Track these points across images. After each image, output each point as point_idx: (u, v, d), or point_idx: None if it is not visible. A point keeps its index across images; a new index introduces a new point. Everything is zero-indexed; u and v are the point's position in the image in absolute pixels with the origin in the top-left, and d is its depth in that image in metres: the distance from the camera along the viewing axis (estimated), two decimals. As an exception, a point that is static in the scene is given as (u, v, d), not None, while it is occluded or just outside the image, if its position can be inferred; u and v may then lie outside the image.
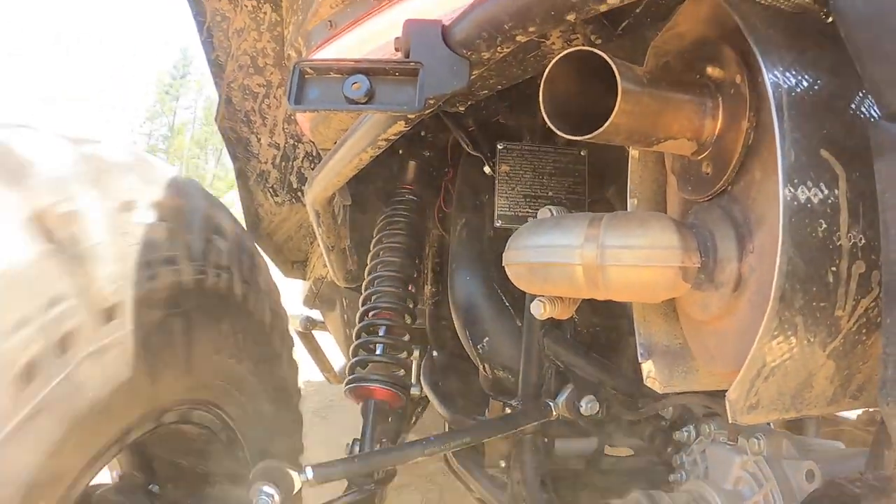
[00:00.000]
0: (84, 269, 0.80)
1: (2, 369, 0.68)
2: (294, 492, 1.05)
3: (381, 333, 1.44)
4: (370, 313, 1.46)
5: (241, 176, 1.96)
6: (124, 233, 0.90)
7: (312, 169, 1.82)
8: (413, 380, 1.75)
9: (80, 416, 0.79)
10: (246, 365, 1.24)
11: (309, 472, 1.08)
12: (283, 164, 1.89)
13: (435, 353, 1.69)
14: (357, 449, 1.34)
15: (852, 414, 1.38)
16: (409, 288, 1.51)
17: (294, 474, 1.05)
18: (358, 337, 1.45)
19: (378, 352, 1.43)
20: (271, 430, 1.36)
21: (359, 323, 1.47)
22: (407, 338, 1.48)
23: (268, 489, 1.01)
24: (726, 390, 0.71)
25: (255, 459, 1.19)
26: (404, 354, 1.46)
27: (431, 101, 0.85)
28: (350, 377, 1.41)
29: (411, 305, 1.51)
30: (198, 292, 1.05)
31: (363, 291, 1.50)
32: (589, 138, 0.73)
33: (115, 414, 0.87)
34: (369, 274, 1.51)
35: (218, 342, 1.13)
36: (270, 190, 1.94)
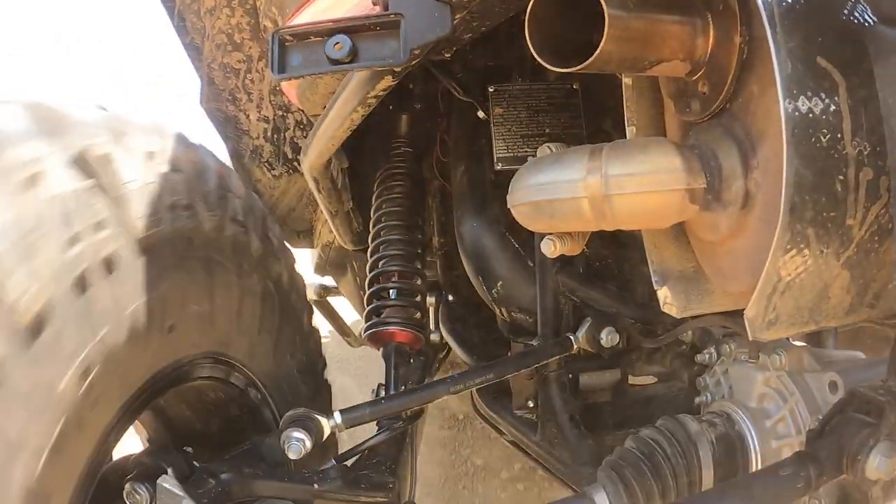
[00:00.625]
0: (120, 203, 0.89)
1: (61, 275, 0.76)
2: (324, 437, 1.07)
3: (393, 280, 1.45)
4: (381, 262, 1.47)
5: (236, 155, 1.95)
6: (148, 179, 0.97)
7: (305, 137, 1.80)
8: (432, 326, 1.77)
9: (120, 343, 0.85)
10: (267, 323, 1.26)
11: (337, 417, 1.10)
12: (275, 136, 1.87)
13: (451, 298, 1.70)
14: (382, 393, 1.36)
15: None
16: (416, 236, 1.51)
17: (323, 420, 1.07)
18: (371, 286, 1.46)
19: (393, 297, 1.44)
20: (297, 391, 1.38)
21: (369, 273, 1.48)
22: (420, 282, 1.48)
23: (298, 434, 1.03)
24: (743, 309, 0.72)
25: (283, 413, 1.21)
26: (419, 298, 1.47)
27: (416, 52, 0.83)
28: (368, 323, 1.42)
29: (420, 252, 1.51)
30: (217, 241, 1.09)
31: (370, 245, 1.50)
32: (580, 69, 0.72)
33: (145, 348, 0.92)
34: (374, 227, 1.51)
35: (239, 296, 1.15)
36: (266, 164, 1.93)
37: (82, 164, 0.86)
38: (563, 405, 1.26)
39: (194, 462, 1.04)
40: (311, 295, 2.24)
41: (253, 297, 1.21)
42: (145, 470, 0.99)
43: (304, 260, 2.48)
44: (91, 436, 0.83)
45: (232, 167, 1.40)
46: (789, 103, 0.62)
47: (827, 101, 0.62)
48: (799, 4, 0.63)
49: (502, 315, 1.44)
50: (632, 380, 1.38)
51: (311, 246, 2.27)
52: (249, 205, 1.25)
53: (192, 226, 1.03)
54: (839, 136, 0.63)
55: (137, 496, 0.95)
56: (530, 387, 1.35)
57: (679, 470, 0.97)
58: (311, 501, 1.09)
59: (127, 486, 0.96)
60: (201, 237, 1.05)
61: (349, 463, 1.21)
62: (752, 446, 0.99)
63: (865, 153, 0.64)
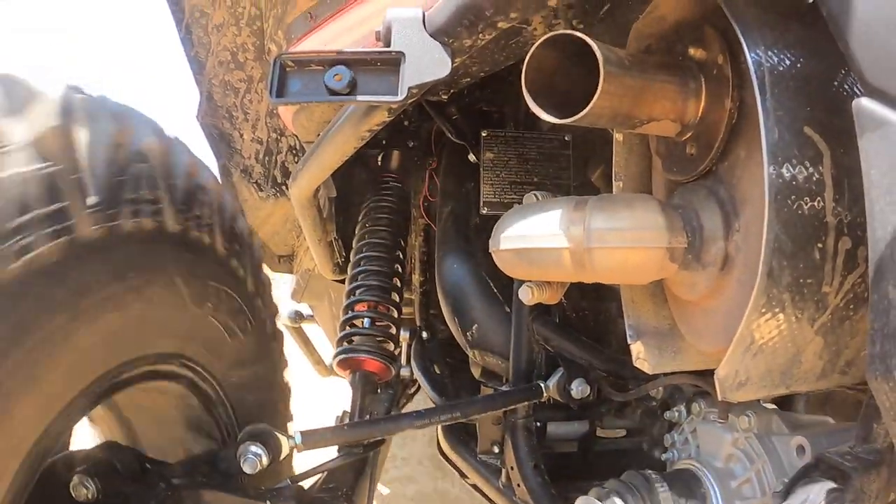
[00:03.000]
0: (77, 191, 0.84)
1: (6, 259, 0.74)
2: (282, 455, 1.06)
3: (368, 309, 1.44)
4: (357, 291, 1.47)
5: (225, 172, 1.95)
6: (114, 168, 0.92)
7: (296, 162, 1.81)
8: (403, 361, 1.76)
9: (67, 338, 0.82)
10: (228, 324, 1.22)
11: (298, 438, 1.09)
12: (267, 158, 1.88)
13: (425, 335, 1.70)
14: (347, 420, 1.35)
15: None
16: (396, 269, 1.51)
17: (283, 438, 1.06)
18: (345, 313, 1.46)
19: (366, 326, 1.44)
20: (258, 395, 1.35)
21: (346, 300, 1.47)
22: (395, 314, 1.48)
23: (255, 449, 1.02)
24: (715, 369, 0.72)
25: (243, 424, 1.19)
26: (393, 331, 1.47)
27: (414, 91, 0.84)
28: (338, 349, 1.41)
29: (398, 286, 1.51)
30: (180, 239, 1.04)
31: (349, 274, 1.50)
32: (572, 121, 0.73)
33: (94, 344, 0.88)
34: (355, 257, 1.51)
35: (200, 295, 1.11)
36: (255, 185, 1.93)
37: (41, 146, 0.81)
38: (529, 452, 1.25)
39: (146, 463, 1.02)
40: (285, 321, 2.23)
41: (214, 296, 1.16)
42: (95, 464, 0.96)
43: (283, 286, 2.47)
44: (34, 426, 0.81)
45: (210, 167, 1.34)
46: (774, 169, 0.64)
47: (811, 169, 0.64)
48: (791, 73, 0.65)
49: (475, 358, 1.44)
50: (600, 432, 1.38)
51: (291, 271, 2.26)
52: (219, 203, 1.20)
53: (154, 222, 0.98)
54: (821, 204, 0.65)
55: (84, 489, 0.92)
56: (497, 432, 1.34)
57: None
58: None
59: (75, 478, 0.93)
60: (164, 235, 1.00)
61: (305, 485, 1.19)
62: (715, 506, 1.00)
63: (846, 222, 0.65)
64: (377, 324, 1.43)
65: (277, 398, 1.46)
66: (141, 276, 0.95)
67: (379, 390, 1.43)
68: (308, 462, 1.24)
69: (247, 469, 1.01)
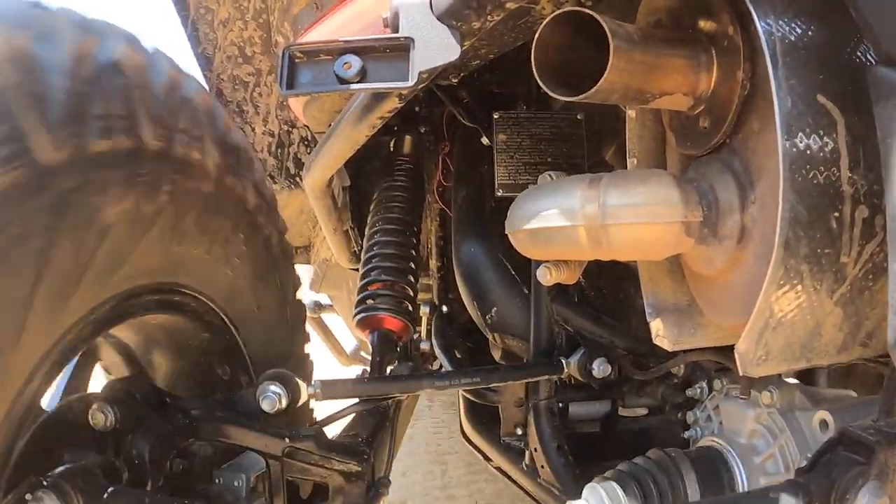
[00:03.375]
0: (38, 110, 0.75)
1: None
2: (300, 400, 1.06)
3: (386, 275, 1.44)
4: (372, 273, 1.46)
5: None
6: (77, 83, 0.82)
7: (309, 153, 1.82)
8: (423, 336, 1.77)
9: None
10: (233, 248, 1.14)
11: (317, 386, 1.09)
12: (279, 150, 1.89)
13: (445, 309, 1.70)
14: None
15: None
16: (410, 251, 1.51)
17: (302, 384, 1.06)
18: (363, 278, 1.45)
19: (384, 287, 1.43)
20: (273, 334, 1.31)
21: (362, 269, 1.47)
22: (413, 280, 1.48)
23: (275, 388, 1.02)
24: (735, 344, 0.72)
25: (259, 368, 1.17)
26: (411, 293, 1.46)
27: (424, 76, 0.84)
28: (357, 309, 1.42)
29: (414, 263, 1.51)
30: (163, 157, 0.95)
31: (362, 258, 1.50)
32: (583, 98, 0.73)
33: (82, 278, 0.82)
34: (367, 242, 1.51)
35: (194, 219, 1.03)
36: (268, 178, 1.94)
37: None
38: (552, 434, 1.25)
39: (166, 398, 1.02)
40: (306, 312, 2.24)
41: (208, 219, 1.07)
42: (115, 393, 0.96)
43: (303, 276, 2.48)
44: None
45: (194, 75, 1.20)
46: (787, 139, 0.63)
47: (825, 138, 0.64)
48: (802, 42, 0.64)
49: (495, 341, 1.44)
50: (622, 411, 1.38)
51: (309, 262, 2.28)
52: (209, 116, 1.09)
53: (129, 139, 0.88)
54: (836, 173, 0.64)
55: (102, 416, 0.92)
56: (519, 414, 1.34)
57: (666, 500, 0.97)
58: (281, 459, 1.05)
59: (94, 405, 0.93)
60: (143, 153, 0.90)
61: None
62: (740, 482, 0.99)
63: (862, 191, 0.65)
64: (396, 287, 1.43)
65: (294, 340, 1.42)
66: (119, 199, 0.86)
67: (398, 351, 1.43)
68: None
69: (265, 407, 1.02)
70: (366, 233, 1.54)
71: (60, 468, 0.86)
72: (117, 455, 0.94)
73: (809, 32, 0.65)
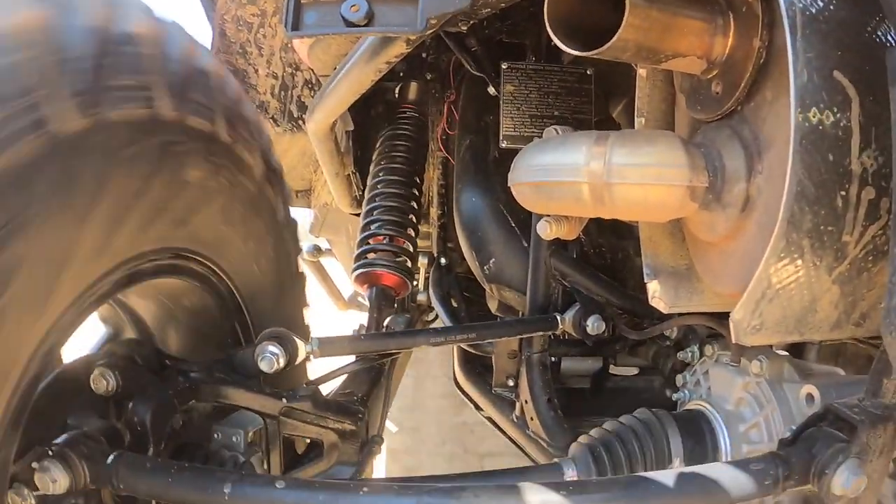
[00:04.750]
0: (55, 82, 0.76)
1: None
2: (299, 359, 1.07)
3: (386, 228, 1.45)
4: (375, 211, 1.47)
5: None
6: (96, 53, 0.83)
7: (312, 97, 1.79)
8: (420, 286, 1.78)
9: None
10: (239, 215, 1.17)
11: (315, 343, 1.11)
12: (283, 93, 1.86)
13: (443, 261, 1.71)
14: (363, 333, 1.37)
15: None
16: (413, 193, 1.51)
17: (300, 343, 1.08)
18: (363, 231, 1.46)
19: (384, 241, 1.45)
20: (275, 300, 1.32)
21: (363, 221, 1.47)
22: (413, 233, 1.49)
23: (273, 349, 1.04)
24: (730, 312, 0.72)
25: (259, 329, 1.18)
26: (411, 249, 1.47)
27: (433, 21, 0.82)
28: (356, 264, 1.43)
29: (415, 211, 1.51)
30: (178, 127, 0.97)
31: (363, 208, 1.50)
32: (596, 54, 0.71)
33: (96, 240, 0.84)
34: (369, 193, 1.51)
35: (203, 186, 1.05)
36: (271, 120, 1.93)
37: (9, 34, 0.73)
38: (543, 387, 1.27)
39: (166, 360, 1.03)
40: (304, 255, 2.25)
41: (220, 186, 1.10)
42: (116, 358, 0.97)
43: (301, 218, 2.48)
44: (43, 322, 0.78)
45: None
46: (801, 113, 0.62)
47: (839, 115, 0.62)
48: (823, 16, 0.62)
49: (492, 292, 1.45)
50: (613, 369, 1.39)
51: (309, 206, 2.27)
52: (221, 88, 1.11)
53: (146, 109, 0.90)
54: (846, 151, 0.63)
55: (104, 381, 0.93)
56: (512, 365, 1.36)
57: (649, 459, 0.99)
58: (278, 418, 1.08)
59: (95, 370, 0.94)
60: (158, 122, 0.92)
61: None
62: (723, 448, 1.01)
63: (870, 172, 0.64)
64: (395, 242, 1.44)
65: (295, 306, 1.42)
66: (136, 167, 0.89)
67: (395, 305, 1.44)
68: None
69: (264, 367, 1.03)
70: (368, 181, 1.53)
71: (64, 435, 0.87)
72: (118, 418, 0.95)
73: (831, 7, 0.63)
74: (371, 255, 1.43)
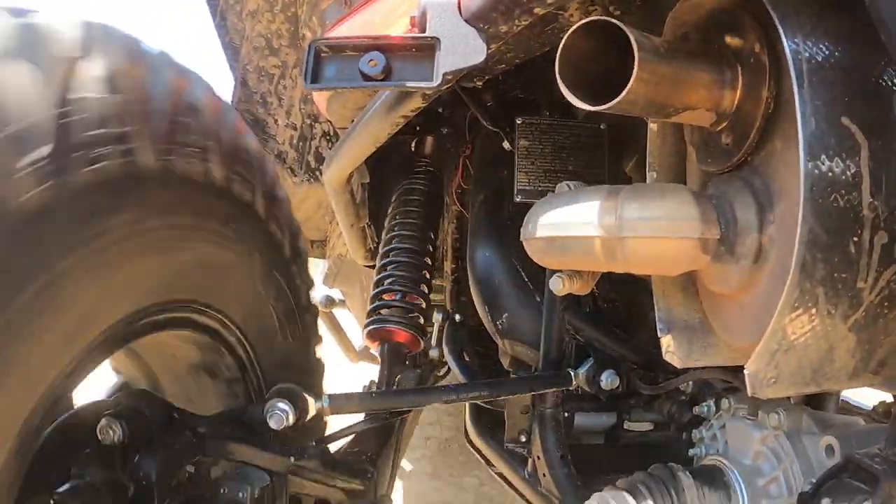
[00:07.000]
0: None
1: None
2: (308, 416, 1.06)
3: (399, 284, 1.46)
4: (389, 266, 1.48)
5: None
6: (173, 112, 0.94)
7: (330, 148, 1.83)
8: (433, 342, 1.77)
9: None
10: (262, 285, 1.19)
11: (325, 401, 1.10)
12: (301, 144, 1.90)
13: (458, 317, 1.70)
14: (373, 390, 1.36)
15: (869, 402, 1.37)
16: (427, 248, 1.52)
17: (310, 399, 1.07)
18: (376, 287, 1.47)
19: (397, 298, 1.45)
20: (290, 368, 1.32)
21: (376, 276, 1.48)
22: (426, 290, 1.49)
23: (282, 405, 1.03)
24: (745, 365, 0.71)
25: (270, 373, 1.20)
26: (424, 306, 1.47)
27: (449, 77, 0.84)
28: (368, 320, 1.42)
29: (429, 266, 1.52)
30: (225, 191, 1.04)
31: (378, 263, 1.51)
32: (606, 108, 0.72)
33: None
34: (384, 248, 1.52)
35: (240, 249, 1.09)
36: (288, 170, 1.96)
37: (114, 79, 0.80)
38: (556, 443, 1.25)
39: (174, 413, 1.03)
40: (317, 306, 2.25)
41: (252, 256, 1.12)
42: (123, 409, 0.97)
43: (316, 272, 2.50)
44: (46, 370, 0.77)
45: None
46: (810, 161, 0.63)
47: (848, 161, 0.63)
48: (829, 63, 0.64)
49: (505, 347, 1.44)
50: (627, 425, 1.37)
51: (324, 257, 2.29)
52: (261, 166, 1.15)
53: (202, 168, 0.96)
54: (857, 197, 0.63)
55: (111, 432, 0.92)
56: (524, 421, 1.34)
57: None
58: (285, 476, 1.07)
59: (102, 421, 0.93)
60: (210, 183, 0.98)
61: (330, 447, 1.20)
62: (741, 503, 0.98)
63: (882, 217, 0.64)
64: (408, 298, 1.44)
65: (310, 372, 1.44)
66: (187, 217, 0.96)
67: (407, 362, 1.43)
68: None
69: (273, 424, 1.02)
70: (383, 235, 1.54)
71: (67, 486, 0.87)
72: (124, 470, 0.95)
73: (836, 54, 0.64)
74: (384, 311, 1.44)
